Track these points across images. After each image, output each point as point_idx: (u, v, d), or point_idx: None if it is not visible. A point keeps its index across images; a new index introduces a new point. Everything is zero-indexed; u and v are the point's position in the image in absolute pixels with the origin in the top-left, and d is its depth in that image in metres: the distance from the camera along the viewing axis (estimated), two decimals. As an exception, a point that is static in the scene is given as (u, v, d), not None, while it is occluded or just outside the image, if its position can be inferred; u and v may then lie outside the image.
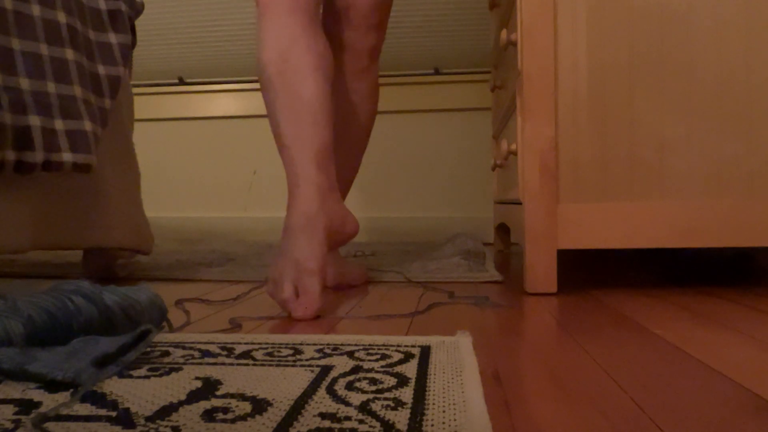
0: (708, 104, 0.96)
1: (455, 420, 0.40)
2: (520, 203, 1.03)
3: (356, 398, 0.45)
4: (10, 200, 0.98)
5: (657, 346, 0.63)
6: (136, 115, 1.35)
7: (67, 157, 0.96)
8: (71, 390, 0.48)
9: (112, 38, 1.11)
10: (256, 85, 2.39)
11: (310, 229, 0.85)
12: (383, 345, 0.61)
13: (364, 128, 1.18)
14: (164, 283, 1.16)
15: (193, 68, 2.43)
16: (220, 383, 0.49)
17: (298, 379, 0.49)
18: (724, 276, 1.16)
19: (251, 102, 2.42)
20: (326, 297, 0.93)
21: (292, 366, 0.54)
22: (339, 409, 0.42)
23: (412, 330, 0.72)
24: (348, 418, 0.40)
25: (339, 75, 1.14)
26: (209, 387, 0.48)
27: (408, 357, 0.56)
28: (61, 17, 0.99)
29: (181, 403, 0.44)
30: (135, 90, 2.29)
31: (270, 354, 0.58)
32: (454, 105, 2.29)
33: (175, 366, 0.54)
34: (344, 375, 0.51)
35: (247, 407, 0.43)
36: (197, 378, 0.50)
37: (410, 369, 0.52)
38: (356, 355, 0.57)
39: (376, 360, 0.55)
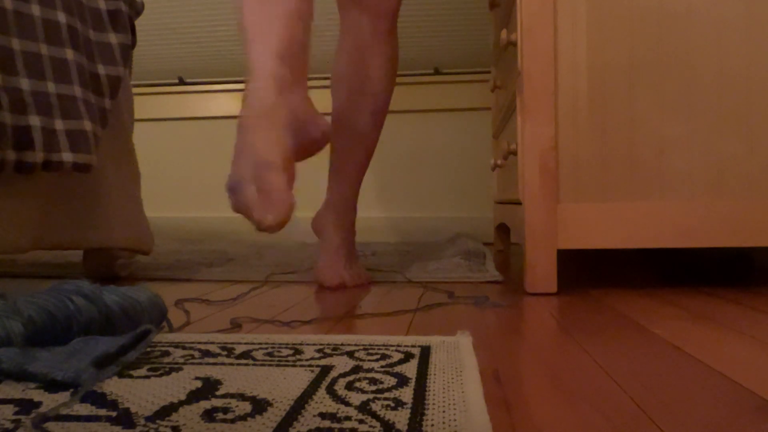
0: (708, 104, 0.96)
1: (455, 420, 0.40)
2: (520, 203, 1.03)
3: (356, 398, 0.45)
4: (10, 200, 0.98)
5: (657, 346, 0.63)
6: (136, 115, 1.35)
7: (67, 157, 0.96)
8: (71, 390, 0.48)
9: (112, 38, 1.11)
10: (256, 85, 2.39)
11: (266, 121, 0.73)
12: (383, 345, 0.61)
13: (386, 93, 1.14)
14: (164, 283, 1.16)
15: (193, 68, 2.43)
16: (220, 383, 0.49)
17: (298, 379, 0.49)
18: (724, 276, 1.16)
19: (251, 102, 2.41)
20: (292, 199, 0.73)
21: (292, 366, 0.54)
22: (339, 409, 0.42)
23: (412, 330, 0.72)
24: (348, 418, 0.40)
25: (360, 38, 1.10)
26: (209, 387, 0.48)
27: (408, 357, 0.56)
28: (61, 17, 0.99)
29: (181, 403, 0.44)
30: (135, 90, 2.29)
31: (270, 354, 0.58)
32: (454, 105, 2.29)
33: (175, 366, 0.54)
34: (344, 375, 0.51)
35: (247, 407, 0.43)
36: (197, 378, 0.50)
37: (410, 369, 0.52)
38: (356, 355, 0.57)
39: (376, 360, 0.55)
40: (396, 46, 1.15)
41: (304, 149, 0.80)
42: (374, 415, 0.41)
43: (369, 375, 0.51)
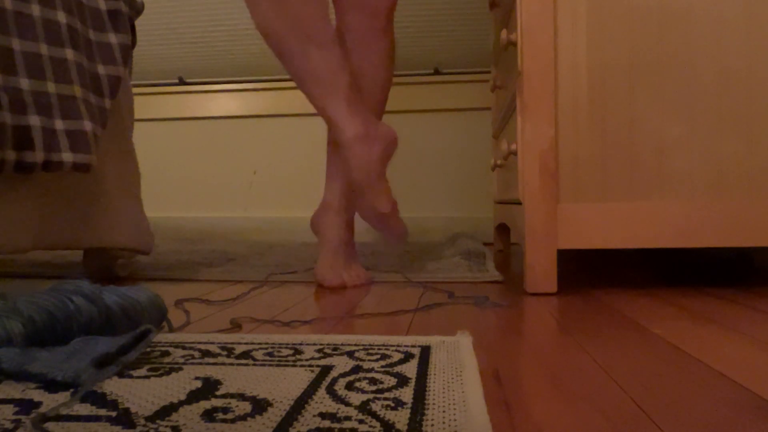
0: (708, 104, 0.96)
1: (455, 420, 0.40)
2: (520, 203, 1.03)
3: (356, 398, 0.45)
4: (10, 200, 0.98)
5: (657, 346, 0.63)
6: (136, 115, 1.35)
7: (67, 156, 0.96)
8: (71, 390, 0.48)
9: (112, 38, 1.11)
10: (256, 85, 2.39)
11: (375, 186, 1.02)
12: (383, 345, 0.61)
13: (384, 91, 1.15)
14: (164, 283, 1.16)
15: (193, 68, 2.43)
16: (220, 383, 0.49)
17: (298, 379, 0.49)
18: (724, 276, 1.16)
19: (251, 102, 2.42)
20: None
21: (292, 366, 0.54)
22: (339, 409, 0.42)
23: (412, 330, 0.72)
24: (348, 418, 0.40)
25: (356, 36, 1.11)
26: (209, 387, 0.48)
27: (408, 357, 0.56)
28: (61, 17, 0.99)
29: (181, 403, 0.44)
30: (135, 90, 2.29)
31: (270, 354, 0.58)
32: (454, 105, 2.29)
33: (175, 366, 0.54)
34: (344, 375, 0.51)
35: (247, 407, 0.43)
36: (197, 378, 0.50)
37: (410, 369, 0.52)
38: (356, 355, 0.57)
39: (376, 360, 0.55)
40: (393, 43, 1.15)
41: (388, 158, 1.06)
42: (374, 415, 0.41)
43: (369, 375, 0.51)
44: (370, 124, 1.03)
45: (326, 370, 0.52)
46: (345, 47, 1.06)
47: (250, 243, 2.09)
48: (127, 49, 1.13)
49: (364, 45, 1.10)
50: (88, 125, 1.00)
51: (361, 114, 1.02)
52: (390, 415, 0.41)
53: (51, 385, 0.49)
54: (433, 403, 0.43)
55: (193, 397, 0.45)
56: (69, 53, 0.99)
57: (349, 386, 0.47)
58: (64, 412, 0.43)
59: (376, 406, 0.43)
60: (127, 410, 0.43)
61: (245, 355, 0.58)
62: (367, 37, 1.10)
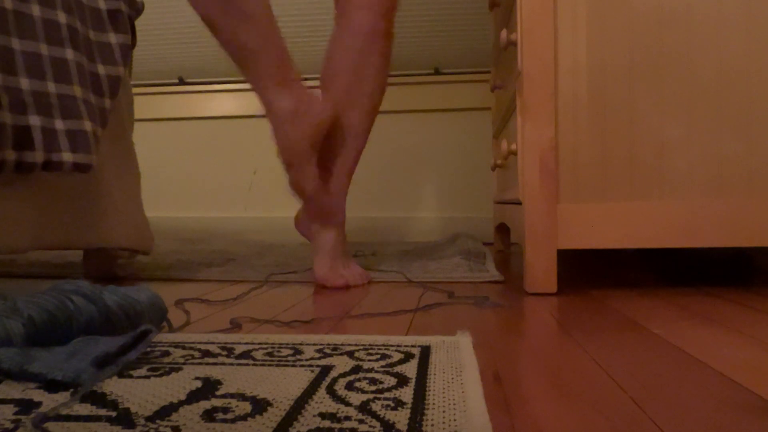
0: (708, 104, 0.96)
1: (455, 420, 0.40)
2: (520, 203, 1.03)
3: (356, 398, 0.45)
4: (10, 200, 0.97)
5: (657, 346, 0.63)
6: (136, 115, 1.35)
7: (67, 156, 0.96)
8: (71, 390, 0.48)
9: (112, 38, 1.11)
10: (256, 85, 2.39)
11: (303, 165, 1.03)
12: (383, 345, 0.61)
13: (381, 93, 1.14)
14: (164, 283, 1.16)
15: (193, 68, 2.43)
16: (220, 383, 0.49)
17: (298, 379, 0.49)
18: (724, 276, 1.16)
19: (251, 102, 2.42)
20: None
21: (292, 366, 0.54)
22: (339, 409, 0.42)
23: (412, 330, 0.72)
24: (348, 418, 0.40)
25: (358, 37, 1.10)
26: (209, 387, 0.48)
27: (408, 357, 0.56)
28: (61, 17, 0.99)
29: (181, 403, 0.44)
30: (135, 90, 2.29)
31: (270, 354, 0.58)
32: (454, 105, 2.29)
33: (175, 366, 0.54)
34: (344, 375, 0.51)
35: (247, 407, 0.43)
36: (197, 378, 0.50)
37: (410, 369, 0.52)
38: (356, 355, 0.57)
39: (376, 360, 0.55)
40: (391, 45, 1.14)
41: (318, 137, 1.05)
42: (374, 415, 0.41)
43: (369, 375, 0.51)
44: (301, 100, 1.02)
45: (326, 370, 0.52)
46: (274, 20, 1.05)
47: (250, 243, 2.09)
48: (127, 49, 1.13)
49: (365, 46, 1.09)
50: (88, 125, 1.00)
51: (291, 88, 1.01)
52: (390, 415, 0.41)
53: (51, 385, 0.49)
54: (433, 403, 0.43)
55: (193, 397, 0.45)
56: (69, 53, 0.99)
57: (349, 386, 0.47)
58: (64, 412, 0.42)
59: (376, 406, 0.43)
60: (127, 410, 0.43)
61: (245, 355, 0.58)
62: (369, 38, 1.09)
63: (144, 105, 2.39)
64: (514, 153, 1.05)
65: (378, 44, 1.10)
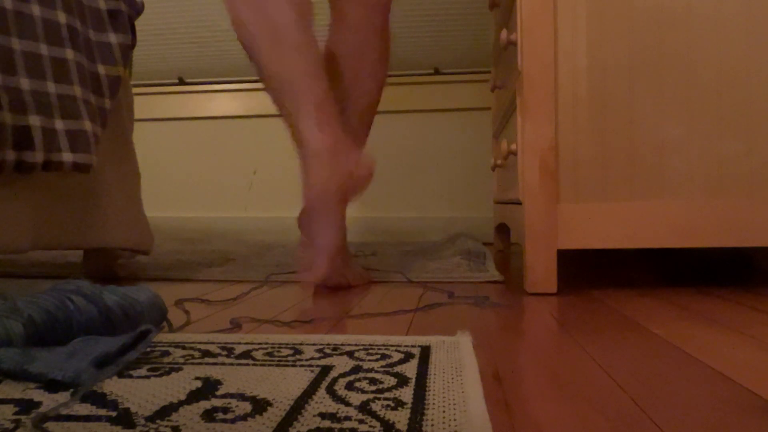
0: (708, 104, 0.96)
1: (455, 420, 0.40)
2: (520, 203, 1.03)
3: (356, 398, 0.45)
4: (10, 200, 0.97)
5: (657, 346, 0.63)
6: (136, 115, 1.34)
7: (67, 156, 0.96)
8: (71, 390, 0.48)
9: (112, 38, 1.11)
10: (256, 85, 2.39)
11: (326, 213, 0.92)
12: (383, 345, 0.61)
13: (379, 89, 1.11)
14: (164, 283, 1.16)
15: (193, 68, 2.43)
16: (220, 383, 0.49)
17: (298, 379, 0.49)
18: (724, 276, 1.16)
19: (251, 102, 2.42)
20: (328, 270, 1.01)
21: (292, 366, 0.54)
22: (339, 409, 0.42)
23: (412, 330, 0.72)
24: (348, 418, 0.40)
25: (354, 32, 1.07)
26: (209, 387, 0.48)
27: (408, 357, 0.56)
28: (61, 17, 0.99)
29: (181, 403, 0.44)
30: (135, 90, 2.29)
31: (270, 354, 0.58)
32: (454, 105, 2.29)
33: (175, 366, 0.54)
34: (344, 375, 0.51)
35: (247, 407, 0.43)
36: (197, 378, 0.50)
37: (410, 369, 0.52)
38: (356, 355, 0.57)
39: (376, 360, 0.55)
40: (389, 40, 1.12)
41: (354, 193, 0.97)
42: (374, 415, 0.41)
43: (369, 375, 0.51)
44: (341, 144, 0.95)
45: (326, 370, 0.52)
46: (322, 57, 1.01)
47: (250, 243, 2.09)
48: (127, 49, 1.13)
49: (361, 42, 1.07)
50: (88, 125, 1.00)
51: (332, 129, 0.94)
52: (390, 415, 0.41)
53: (51, 385, 0.49)
54: (433, 403, 0.43)
55: (193, 397, 0.45)
56: (69, 53, 0.99)
57: (349, 386, 0.47)
58: (64, 412, 0.42)
59: (376, 406, 0.43)
60: (127, 410, 0.43)
61: (245, 355, 0.58)
62: (365, 33, 1.07)
63: (144, 105, 2.39)
64: (514, 153, 1.05)
65: (374, 41, 1.08)
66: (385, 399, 0.44)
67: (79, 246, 1.13)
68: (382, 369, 0.52)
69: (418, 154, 2.33)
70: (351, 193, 0.96)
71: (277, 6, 0.96)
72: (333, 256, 0.94)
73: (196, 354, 0.58)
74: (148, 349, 0.60)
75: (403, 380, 0.49)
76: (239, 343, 0.62)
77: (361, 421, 0.40)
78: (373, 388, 0.47)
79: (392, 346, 0.61)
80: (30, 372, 0.49)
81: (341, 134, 0.96)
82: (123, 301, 0.63)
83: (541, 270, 0.96)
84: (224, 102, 2.44)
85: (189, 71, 2.44)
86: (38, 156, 0.93)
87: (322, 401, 0.44)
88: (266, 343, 0.62)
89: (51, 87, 0.96)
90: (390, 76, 1.13)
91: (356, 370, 0.52)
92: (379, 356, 0.57)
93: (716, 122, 0.96)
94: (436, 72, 2.29)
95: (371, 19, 1.07)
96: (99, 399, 0.45)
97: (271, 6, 0.96)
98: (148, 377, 0.51)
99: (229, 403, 0.44)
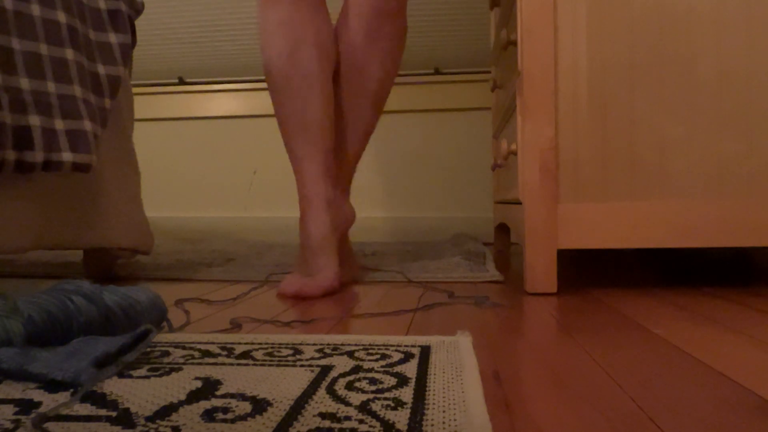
0: (708, 104, 0.96)
1: (455, 420, 0.40)
2: (520, 203, 1.03)
3: (356, 398, 0.45)
4: (10, 200, 0.97)
5: (657, 346, 0.63)
6: (136, 115, 1.35)
7: (67, 156, 0.96)
8: (71, 390, 0.48)
9: (112, 38, 1.11)
10: (256, 85, 2.39)
11: (326, 249, 0.99)
12: (383, 345, 0.61)
13: (390, 80, 1.10)
14: (164, 283, 1.16)
15: (193, 68, 2.43)
16: (220, 383, 0.49)
17: (298, 379, 0.49)
18: (724, 276, 1.16)
19: (251, 102, 2.42)
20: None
21: (292, 366, 0.54)
22: (339, 409, 0.42)
23: (412, 330, 0.72)
24: (348, 418, 0.40)
25: (365, 17, 1.03)
26: (209, 387, 0.48)
27: (408, 357, 0.56)
28: (61, 17, 0.99)
29: (181, 403, 0.44)
30: (135, 90, 2.29)
31: (270, 354, 0.58)
32: (454, 105, 2.29)
33: (175, 366, 0.54)
34: (344, 375, 0.51)
35: (247, 407, 0.43)
36: (197, 378, 0.50)
37: (410, 369, 0.52)
38: (356, 355, 0.57)
39: (376, 360, 0.55)
40: (404, 28, 1.07)
41: (341, 234, 1.07)
42: (374, 415, 0.41)
43: (369, 375, 0.51)
44: (337, 192, 1.06)
45: (326, 370, 0.52)
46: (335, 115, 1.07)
47: (250, 243, 2.09)
48: (127, 49, 1.13)
49: (371, 28, 1.03)
50: (88, 125, 1.00)
51: (333, 179, 1.04)
52: (390, 415, 0.41)
53: (51, 385, 0.49)
54: (433, 403, 0.43)
55: (193, 397, 0.45)
56: (69, 53, 0.99)
57: (349, 386, 0.47)
58: (64, 412, 0.42)
59: (376, 406, 0.43)
60: (127, 410, 0.43)
61: (245, 355, 0.58)
62: (375, 19, 1.02)
63: (144, 105, 2.39)
64: (514, 153, 1.05)
65: (387, 26, 1.03)
66: (385, 399, 0.44)
67: (79, 246, 1.13)
68: (382, 369, 0.52)
69: (418, 154, 2.33)
70: (339, 235, 1.06)
71: (309, 55, 0.99)
72: (336, 280, 1.00)
73: (196, 354, 0.58)
74: (148, 349, 0.60)
75: (403, 380, 0.49)
76: (239, 343, 0.62)
77: (361, 421, 0.40)
78: (373, 388, 0.47)
79: (392, 346, 0.61)
80: (30, 372, 0.49)
81: (337, 184, 1.07)
82: (123, 301, 0.63)
83: (541, 270, 0.96)
84: (224, 102, 2.44)
85: (189, 71, 2.44)
86: (38, 156, 0.93)
87: (322, 401, 0.44)
88: (266, 343, 0.62)
89: (51, 87, 0.96)
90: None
91: (356, 370, 0.52)
92: (379, 356, 0.57)
93: (716, 122, 0.96)
94: (437, 72, 2.29)
95: (384, 5, 1.03)
96: (99, 399, 0.45)
97: (304, 54, 0.99)
98: (148, 377, 0.51)
99: (229, 403, 0.44)
